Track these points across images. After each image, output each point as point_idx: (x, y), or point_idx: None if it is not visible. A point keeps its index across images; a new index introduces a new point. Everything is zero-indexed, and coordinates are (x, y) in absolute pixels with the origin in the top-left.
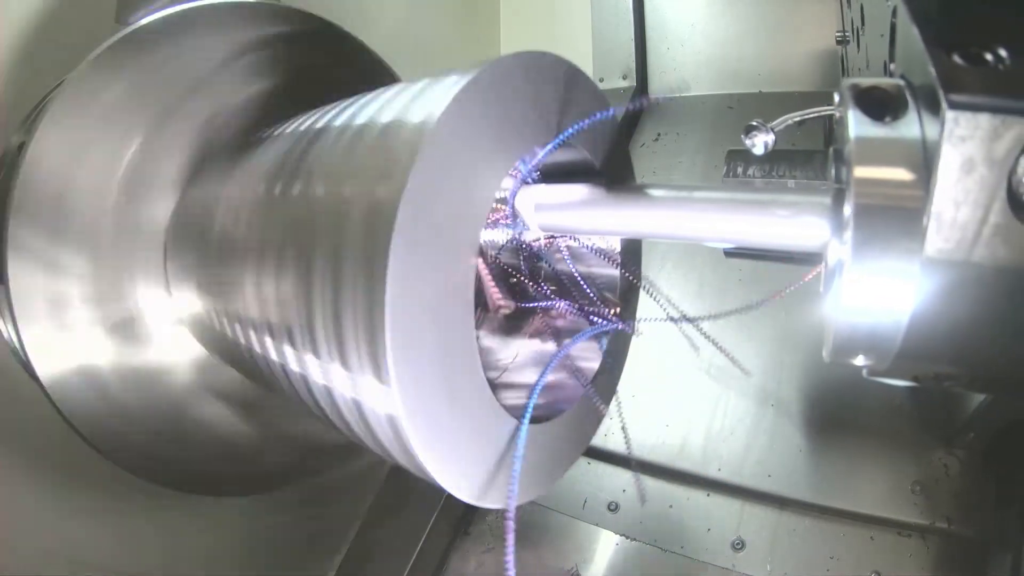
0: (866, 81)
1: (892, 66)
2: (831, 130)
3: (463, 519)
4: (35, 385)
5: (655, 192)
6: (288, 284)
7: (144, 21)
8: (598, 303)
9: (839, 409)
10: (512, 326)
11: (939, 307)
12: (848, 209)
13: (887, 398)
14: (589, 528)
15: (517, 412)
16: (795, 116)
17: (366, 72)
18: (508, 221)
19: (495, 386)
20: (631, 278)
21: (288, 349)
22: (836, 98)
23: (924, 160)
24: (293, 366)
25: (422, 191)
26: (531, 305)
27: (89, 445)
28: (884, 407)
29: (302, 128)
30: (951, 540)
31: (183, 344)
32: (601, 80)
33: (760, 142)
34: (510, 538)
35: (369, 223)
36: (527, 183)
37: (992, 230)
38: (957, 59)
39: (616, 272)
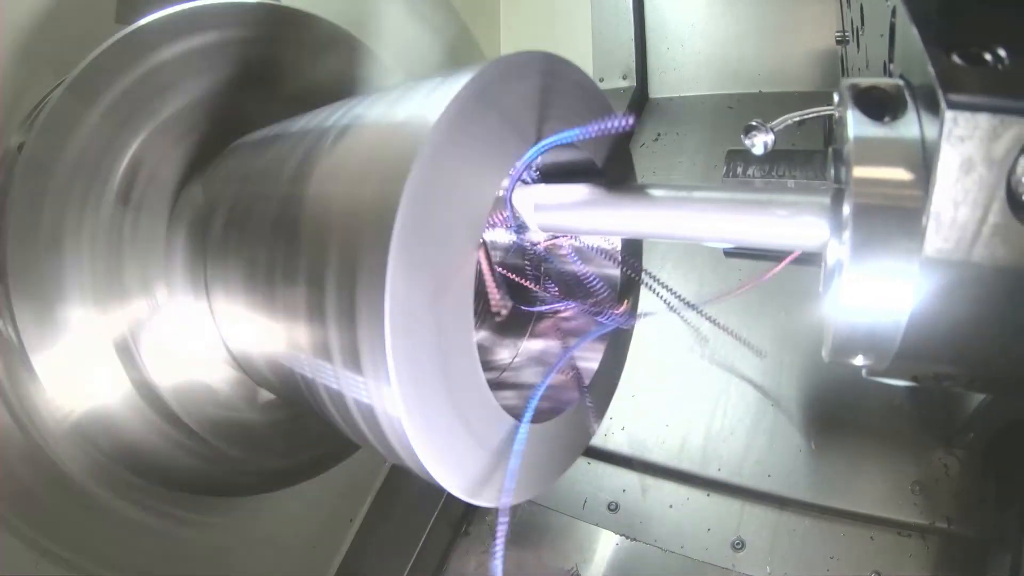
0: (865, 81)
1: (891, 66)
2: (831, 130)
3: (463, 519)
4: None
5: (655, 192)
6: (289, 284)
7: (144, 21)
8: (604, 301)
9: (839, 409)
10: (514, 326)
11: (938, 307)
12: (847, 209)
13: (887, 398)
14: (589, 528)
15: (516, 412)
16: (794, 116)
17: (366, 72)
18: (508, 222)
19: (495, 386)
20: (632, 274)
21: (289, 348)
22: (835, 98)
23: (923, 160)
24: (294, 365)
25: (422, 192)
26: (536, 310)
27: (88, 443)
28: (884, 407)
29: (302, 129)
30: (951, 540)
31: (183, 344)
32: (601, 80)
33: (759, 142)
34: (501, 530)
35: (369, 224)
36: (525, 183)
37: (991, 230)
38: (956, 59)
39: (617, 271)
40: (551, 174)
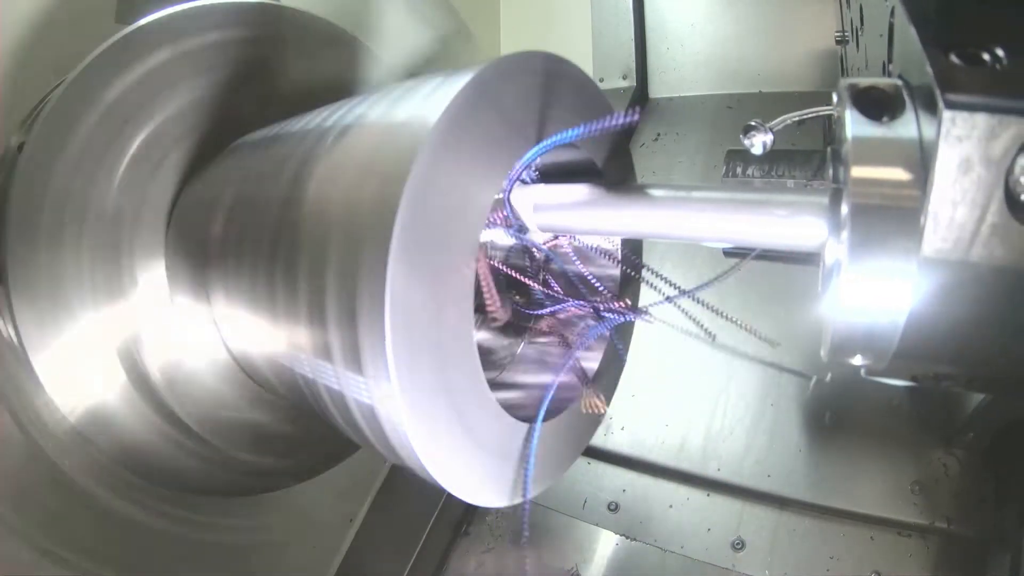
0: (864, 81)
1: (890, 66)
2: (830, 130)
3: (463, 519)
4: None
5: (655, 192)
6: (289, 284)
7: (144, 21)
8: (608, 298)
9: (839, 409)
10: (515, 326)
11: (936, 307)
12: (845, 209)
13: (886, 398)
14: (589, 528)
15: (516, 412)
16: (794, 116)
17: (366, 73)
18: (508, 222)
19: (495, 385)
20: (631, 272)
21: (289, 349)
22: (834, 98)
23: (921, 160)
24: (294, 365)
25: (422, 193)
26: (537, 313)
27: (88, 443)
28: (883, 407)
29: (302, 129)
30: (951, 540)
31: (183, 344)
32: (601, 80)
33: (759, 142)
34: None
35: (369, 225)
36: (524, 183)
37: (989, 230)
38: (954, 59)
39: (616, 270)
40: (550, 174)
